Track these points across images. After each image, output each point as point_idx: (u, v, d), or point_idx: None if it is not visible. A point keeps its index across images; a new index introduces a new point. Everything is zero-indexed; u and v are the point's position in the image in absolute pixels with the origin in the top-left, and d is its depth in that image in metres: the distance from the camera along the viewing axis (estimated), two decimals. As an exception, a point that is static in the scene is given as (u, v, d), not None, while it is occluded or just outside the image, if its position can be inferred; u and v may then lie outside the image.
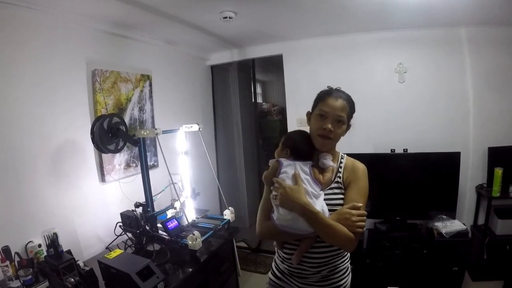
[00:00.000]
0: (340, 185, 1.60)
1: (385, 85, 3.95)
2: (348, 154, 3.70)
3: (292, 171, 1.54)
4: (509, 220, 3.40)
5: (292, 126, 4.34)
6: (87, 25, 2.77)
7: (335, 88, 1.67)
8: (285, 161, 1.59)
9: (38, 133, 2.42)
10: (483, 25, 3.51)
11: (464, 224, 3.47)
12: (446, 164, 3.60)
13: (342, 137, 1.65)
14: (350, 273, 1.73)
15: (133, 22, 3.02)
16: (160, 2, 2.62)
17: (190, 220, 2.97)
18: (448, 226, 3.42)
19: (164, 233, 2.58)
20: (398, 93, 3.92)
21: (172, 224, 2.58)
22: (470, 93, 3.69)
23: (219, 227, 2.86)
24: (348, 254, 1.71)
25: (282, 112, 5.55)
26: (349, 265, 1.73)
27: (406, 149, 3.71)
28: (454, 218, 3.55)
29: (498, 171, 3.40)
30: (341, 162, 1.67)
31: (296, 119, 4.30)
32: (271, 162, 1.65)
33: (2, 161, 2.19)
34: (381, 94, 3.97)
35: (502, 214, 3.44)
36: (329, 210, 1.49)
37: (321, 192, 1.53)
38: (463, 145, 3.68)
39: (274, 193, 1.52)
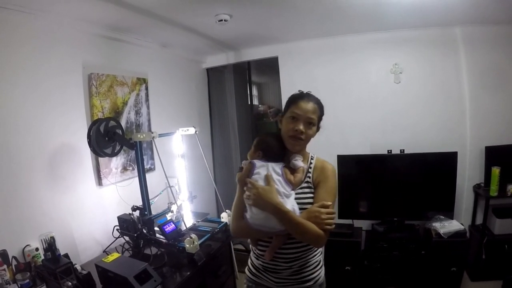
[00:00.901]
0: (310, 185, 1.69)
1: (381, 86, 3.96)
2: (345, 156, 3.73)
3: (265, 172, 1.61)
4: (507, 220, 3.41)
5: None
6: (82, 28, 2.77)
7: (306, 92, 1.76)
8: (258, 162, 1.65)
9: (35, 136, 2.41)
10: (478, 24, 3.52)
11: (462, 224, 3.48)
12: (443, 164, 3.61)
13: (312, 138, 1.72)
14: (323, 267, 1.82)
15: (128, 25, 3.02)
16: (155, 6, 2.62)
17: (191, 224, 2.98)
18: (446, 226, 3.42)
19: (162, 237, 2.58)
20: (394, 93, 3.92)
21: (169, 228, 2.57)
22: (466, 93, 3.70)
23: (216, 230, 2.85)
24: (320, 249, 1.81)
25: (278, 113, 5.55)
26: (321, 259, 1.82)
27: (403, 150, 3.72)
28: (452, 218, 3.56)
29: (496, 170, 3.41)
30: (311, 163, 1.75)
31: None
32: (244, 163, 1.72)
33: (-2, 165, 2.18)
34: (377, 95, 3.98)
35: (500, 214, 3.45)
36: (300, 209, 1.57)
37: (292, 192, 1.61)
38: (460, 145, 3.69)
39: (247, 193, 1.58)
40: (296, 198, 1.61)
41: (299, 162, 1.68)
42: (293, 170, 1.68)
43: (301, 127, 1.62)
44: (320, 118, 1.73)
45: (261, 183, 1.58)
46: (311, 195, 1.66)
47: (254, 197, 1.53)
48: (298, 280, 1.70)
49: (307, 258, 1.70)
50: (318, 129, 1.74)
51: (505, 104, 3.63)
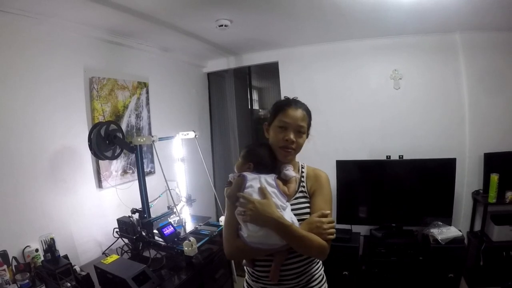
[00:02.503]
0: (306, 194, 1.60)
1: (380, 91, 3.98)
2: (344, 161, 3.73)
3: (258, 185, 1.49)
4: (506, 226, 3.40)
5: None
6: (84, 33, 2.81)
7: (293, 98, 1.66)
8: (249, 175, 1.52)
9: (36, 139, 2.44)
10: (477, 30, 3.53)
11: (460, 231, 3.47)
12: (442, 171, 3.62)
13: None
14: (326, 282, 1.70)
15: (130, 30, 3.05)
16: (156, 11, 2.66)
17: (193, 228, 3.00)
18: (444, 232, 3.42)
19: (160, 239, 2.59)
20: (393, 99, 3.94)
21: (168, 230, 2.59)
22: (465, 99, 3.70)
23: (215, 233, 2.87)
24: (320, 262, 1.68)
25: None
26: (323, 273, 1.70)
27: (402, 156, 3.73)
28: (450, 225, 3.55)
29: (494, 177, 3.40)
30: (302, 172, 1.67)
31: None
32: (232, 177, 1.60)
33: (0, 167, 2.21)
34: (376, 100, 3.99)
35: (499, 220, 3.44)
36: (297, 220, 1.47)
37: (288, 203, 1.51)
38: (459, 151, 3.69)
39: (240, 209, 1.45)
40: (292, 209, 1.51)
41: (291, 172, 1.59)
42: (285, 180, 1.58)
43: (292, 136, 1.54)
44: (309, 125, 1.64)
45: (255, 196, 1.45)
46: (308, 204, 1.57)
47: (251, 212, 1.40)
48: None
49: (312, 272, 1.59)
50: (307, 136, 1.65)
51: (504, 110, 3.63)
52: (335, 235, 1.48)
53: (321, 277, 1.66)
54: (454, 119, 3.76)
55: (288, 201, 1.52)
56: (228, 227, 1.56)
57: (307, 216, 1.53)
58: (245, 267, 1.68)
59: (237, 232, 1.50)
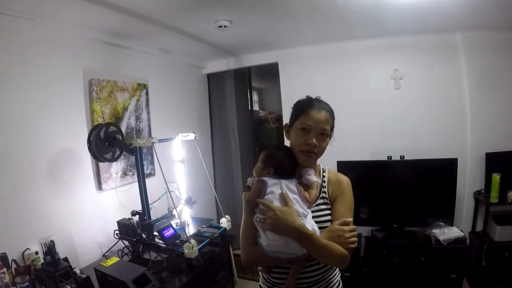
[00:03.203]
0: (326, 201, 1.54)
1: (381, 91, 3.97)
2: (345, 162, 3.72)
3: (278, 191, 1.42)
4: (508, 227, 3.38)
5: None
6: (83, 34, 2.80)
7: (316, 98, 1.57)
8: (270, 180, 1.45)
9: (36, 141, 2.43)
10: (478, 30, 3.52)
11: (462, 231, 3.47)
12: (443, 171, 3.61)
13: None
14: (342, 286, 1.66)
15: (129, 31, 3.04)
16: (155, 12, 2.65)
17: (196, 230, 2.99)
18: (445, 233, 3.41)
19: (161, 241, 2.58)
20: (394, 99, 3.93)
21: (168, 233, 2.57)
22: (466, 99, 3.69)
23: (215, 235, 2.86)
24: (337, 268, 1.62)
25: (279, 119, 5.57)
26: (340, 279, 1.64)
27: (403, 156, 3.72)
28: (452, 225, 3.54)
29: (496, 177, 3.39)
30: (323, 176, 1.60)
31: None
32: (251, 181, 1.54)
33: (-1, 169, 2.20)
34: (377, 100, 3.99)
35: (501, 221, 3.42)
36: (318, 228, 1.42)
37: (309, 210, 1.44)
38: (460, 151, 3.68)
39: (260, 216, 1.39)
40: (312, 216, 1.45)
41: (312, 177, 1.51)
42: (306, 185, 1.50)
43: (314, 140, 1.45)
44: (333, 127, 1.56)
45: (276, 203, 1.39)
46: (329, 211, 1.51)
47: (271, 221, 1.33)
48: None
49: (330, 279, 1.53)
50: (330, 138, 1.56)
51: (505, 110, 3.62)
52: (356, 243, 1.42)
53: (338, 283, 1.60)
54: (455, 119, 3.75)
55: (309, 207, 1.46)
56: (245, 233, 1.51)
57: (328, 224, 1.47)
58: (260, 272, 1.63)
59: (255, 239, 1.45)
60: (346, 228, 1.41)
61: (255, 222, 1.42)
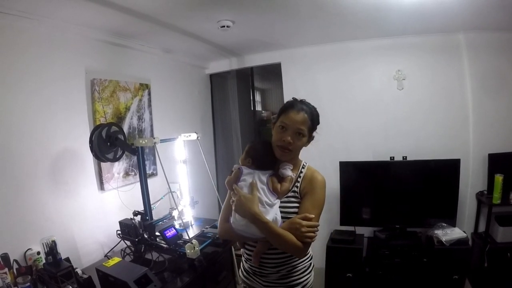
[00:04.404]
0: (297, 195, 1.68)
1: (383, 92, 3.96)
2: (347, 162, 3.71)
3: (251, 180, 1.63)
4: (510, 228, 3.36)
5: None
6: (85, 34, 2.80)
7: (300, 100, 1.73)
8: (245, 169, 1.68)
9: (38, 141, 2.43)
10: (481, 30, 3.51)
11: (464, 232, 3.45)
12: (446, 172, 3.60)
13: (304, 147, 1.71)
14: (312, 272, 1.83)
15: (131, 31, 3.04)
16: (158, 12, 2.65)
17: (199, 231, 2.99)
18: (448, 234, 3.40)
19: (163, 242, 2.58)
20: (397, 100, 3.92)
21: (170, 233, 2.57)
22: (469, 99, 3.68)
23: (217, 236, 2.84)
24: (309, 254, 1.80)
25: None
26: (311, 263, 1.82)
27: (406, 157, 3.71)
28: (454, 226, 3.52)
29: (499, 178, 3.38)
30: (301, 172, 1.73)
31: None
32: (235, 167, 1.74)
33: (1, 169, 2.20)
34: (380, 101, 3.98)
35: (503, 221, 3.40)
36: (283, 218, 1.59)
37: (276, 201, 1.61)
38: (463, 152, 3.67)
39: (232, 198, 1.62)
40: (281, 207, 1.62)
41: (287, 171, 1.67)
42: (282, 178, 1.68)
43: (289, 138, 1.62)
44: (312, 128, 1.70)
45: (245, 190, 1.61)
46: (297, 204, 1.65)
47: (236, 203, 1.57)
48: (285, 284, 1.72)
49: (294, 264, 1.71)
50: (311, 138, 1.72)
51: (508, 110, 3.61)
52: (315, 239, 1.57)
53: (305, 268, 1.77)
54: (458, 119, 3.74)
55: (278, 198, 1.63)
56: (223, 211, 1.77)
57: (293, 216, 1.61)
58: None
59: (229, 217, 1.68)
60: (304, 222, 1.55)
61: (230, 203, 1.66)
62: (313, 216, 1.58)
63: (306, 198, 1.65)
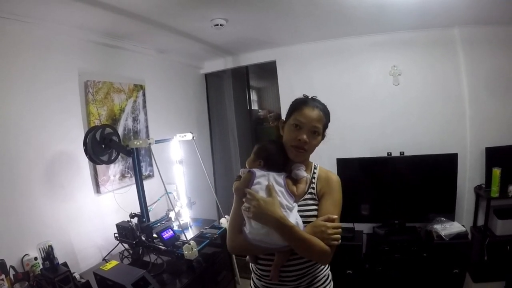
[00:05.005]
0: (314, 196, 1.57)
1: (380, 88, 3.96)
2: (344, 159, 3.71)
3: (266, 182, 1.48)
4: (509, 220, 3.38)
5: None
6: (78, 36, 2.79)
7: (311, 97, 1.63)
8: (258, 172, 1.52)
9: (33, 145, 2.42)
10: (476, 24, 3.51)
11: (463, 226, 3.46)
12: (443, 166, 3.60)
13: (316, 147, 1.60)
14: (332, 282, 1.67)
15: (124, 32, 3.02)
16: (150, 11, 2.63)
17: (198, 231, 2.98)
18: (447, 228, 3.40)
19: (160, 243, 2.57)
20: (393, 95, 3.92)
21: (167, 234, 2.56)
22: (465, 94, 3.68)
23: (215, 236, 2.84)
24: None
25: (278, 118, 5.54)
26: (329, 272, 1.68)
27: (403, 152, 3.71)
28: (453, 220, 3.54)
29: (496, 171, 3.39)
30: (314, 173, 1.63)
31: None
32: (242, 172, 1.58)
33: (-4, 174, 2.19)
34: (376, 97, 3.98)
35: (502, 214, 3.42)
36: (303, 222, 1.45)
37: (295, 204, 1.48)
38: (460, 146, 3.67)
39: (246, 205, 1.44)
40: (299, 211, 1.48)
41: (302, 172, 1.55)
42: (295, 180, 1.54)
43: (305, 136, 1.50)
44: (325, 126, 1.60)
45: (262, 194, 1.44)
46: (315, 207, 1.54)
47: (254, 209, 1.39)
48: None
49: (315, 273, 1.56)
50: (323, 137, 1.61)
51: (505, 104, 3.61)
52: (340, 241, 1.44)
53: (325, 277, 1.62)
54: (455, 114, 3.74)
55: (296, 201, 1.49)
56: (232, 221, 1.56)
57: (313, 219, 1.50)
58: (250, 265, 1.68)
59: (241, 228, 1.50)
60: (329, 224, 1.44)
61: (242, 210, 1.46)
62: (336, 216, 1.48)
63: (325, 199, 1.54)
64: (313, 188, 1.58)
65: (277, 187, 1.47)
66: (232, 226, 1.55)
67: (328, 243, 1.40)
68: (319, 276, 1.58)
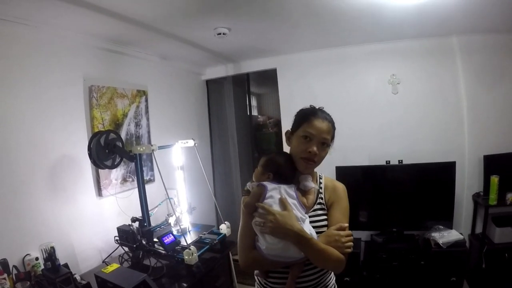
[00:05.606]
0: (323, 206, 1.58)
1: (378, 96, 3.99)
2: (343, 167, 3.73)
3: (278, 196, 1.45)
4: (507, 228, 3.38)
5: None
6: (83, 41, 2.82)
7: (319, 108, 1.61)
8: (269, 185, 1.48)
9: (36, 147, 2.44)
10: (474, 33, 3.54)
11: (461, 234, 3.47)
12: (441, 174, 3.62)
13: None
14: None
15: (129, 38, 3.06)
16: (155, 20, 2.68)
17: (197, 237, 2.99)
18: (445, 236, 3.41)
19: (161, 248, 2.59)
20: (392, 104, 3.94)
21: (168, 239, 2.58)
22: (463, 102, 3.71)
23: (215, 242, 2.86)
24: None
25: (278, 124, 5.58)
26: (334, 281, 1.67)
27: (401, 160, 3.73)
28: (451, 228, 3.55)
29: (495, 179, 3.40)
30: (320, 183, 1.64)
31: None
32: (251, 186, 1.56)
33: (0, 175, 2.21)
34: (375, 105, 4.00)
35: (500, 222, 3.42)
36: (316, 233, 1.45)
37: (307, 215, 1.48)
38: (458, 154, 3.69)
39: (258, 220, 1.42)
40: (310, 222, 1.48)
41: (310, 183, 1.55)
42: (304, 191, 1.54)
43: (315, 148, 1.49)
44: (333, 137, 1.59)
45: (275, 208, 1.42)
46: (325, 217, 1.55)
47: (271, 224, 1.36)
48: None
49: (326, 282, 1.56)
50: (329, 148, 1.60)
51: (503, 112, 3.64)
52: (352, 248, 1.46)
53: (333, 286, 1.64)
54: (453, 122, 3.77)
55: (307, 212, 1.50)
56: (244, 238, 1.53)
57: (324, 229, 1.51)
58: (256, 277, 1.64)
59: (253, 243, 1.48)
60: (342, 233, 1.45)
61: (253, 226, 1.44)
62: (347, 225, 1.50)
63: (334, 208, 1.56)
64: (322, 198, 1.60)
65: (290, 200, 1.45)
66: (243, 243, 1.52)
67: (342, 251, 1.42)
68: (329, 284, 1.59)
